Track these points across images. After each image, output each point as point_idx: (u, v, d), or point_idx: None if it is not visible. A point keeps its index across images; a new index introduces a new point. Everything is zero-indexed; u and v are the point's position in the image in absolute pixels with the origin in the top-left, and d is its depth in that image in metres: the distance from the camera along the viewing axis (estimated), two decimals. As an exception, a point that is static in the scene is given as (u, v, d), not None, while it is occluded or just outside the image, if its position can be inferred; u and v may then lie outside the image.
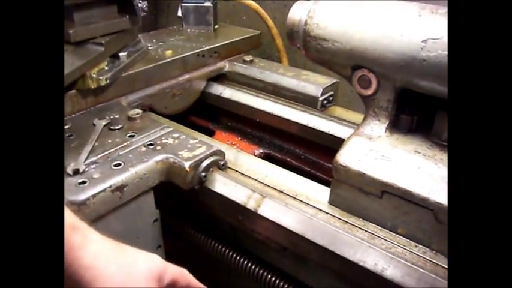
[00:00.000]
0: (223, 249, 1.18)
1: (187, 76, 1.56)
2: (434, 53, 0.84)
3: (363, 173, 0.93)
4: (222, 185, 1.06)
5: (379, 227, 0.95)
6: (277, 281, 1.10)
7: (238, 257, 1.17)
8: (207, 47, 1.63)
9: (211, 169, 1.07)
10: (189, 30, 1.86)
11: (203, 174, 1.05)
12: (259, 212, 0.99)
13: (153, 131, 1.15)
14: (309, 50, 1.03)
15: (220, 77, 1.68)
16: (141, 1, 1.37)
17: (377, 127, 0.99)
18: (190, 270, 1.34)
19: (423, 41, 0.85)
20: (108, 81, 1.27)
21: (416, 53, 0.86)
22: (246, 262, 1.16)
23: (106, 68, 1.31)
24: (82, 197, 0.91)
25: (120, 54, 1.37)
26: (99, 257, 0.71)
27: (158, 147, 1.08)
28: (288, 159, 1.50)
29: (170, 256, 1.19)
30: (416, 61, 0.86)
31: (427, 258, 0.88)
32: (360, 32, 0.93)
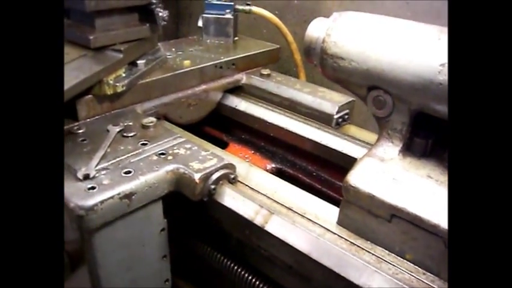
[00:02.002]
0: (229, 263, 1.18)
1: (203, 87, 1.56)
2: (451, 78, 0.83)
3: (373, 195, 0.92)
4: (230, 198, 1.05)
5: (387, 251, 0.94)
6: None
7: (243, 272, 1.16)
8: (225, 59, 1.64)
9: (220, 182, 1.07)
10: (208, 41, 1.87)
11: (212, 186, 1.04)
12: (266, 228, 0.98)
13: (165, 140, 1.15)
14: (325, 67, 1.02)
15: (237, 89, 1.69)
16: (162, 10, 1.38)
17: (390, 149, 0.98)
18: (194, 282, 1.34)
19: (441, 65, 0.84)
20: (124, 88, 1.28)
21: (433, 76, 0.85)
22: (250, 277, 1.15)
23: (123, 74, 1.32)
24: (90, 202, 0.91)
25: (138, 61, 1.38)
26: None
27: (169, 157, 1.08)
28: (300, 176, 1.49)
29: (175, 267, 1.19)
30: (433, 85, 0.85)
31: (435, 286, 0.86)
32: (378, 52, 0.93)
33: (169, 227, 1.12)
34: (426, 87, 0.87)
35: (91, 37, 1.25)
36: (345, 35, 0.98)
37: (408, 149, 0.98)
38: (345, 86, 1.04)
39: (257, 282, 1.13)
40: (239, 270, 1.16)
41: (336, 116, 1.46)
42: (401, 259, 0.92)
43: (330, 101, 1.50)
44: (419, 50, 0.88)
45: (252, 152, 1.60)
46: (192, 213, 1.21)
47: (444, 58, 0.84)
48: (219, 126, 1.70)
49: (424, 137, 0.97)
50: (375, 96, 0.97)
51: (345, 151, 1.35)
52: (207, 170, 1.04)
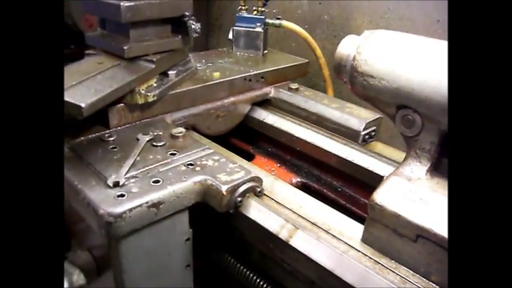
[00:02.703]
0: (251, 275, 1.18)
1: (232, 99, 1.58)
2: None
3: (399, 215, 0.91)
4: (256, 211, 1.06)
5: (412, 272, 0.93)
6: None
7: (264, 285, 1.17)
8: (254, 72, 1.65)
9: (247, 195, 1.08)
10: (238, 53, 1.90)
11: (239, 199, 1.05)
12: (290, 242, 0.99)
13: (194, 151, 1.16)
14: (355, 85, 1.03)
15: (265, 102, 1.70)
16: (194, 22, 1.40)
17: (417, 169, 0.98)
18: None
19: (472, 87, 0.84)
20: (155, 97, 1.31)
21: (463, 98, 0.85)
22: (272, 291, 1.15)
23: (155, 84, 1.35)
24: (119, 210, 0.93)
25: (170, 72, 1.41)
26: None
27: (197, 168, 1.09)
28: (325, 191, 1.49)
29: (198, 276, 1.20)
30: (464, 106, 0.85)
31: (459, 309, 0.85)
32: (408, 71, 0.93)
33: (193, 237, 1.13)
34: (456, 108, 0.87)
35: (125, 47, 1.28)
36: (376, 53, 0.98)
37: (436, 169, 0.98)
38: (373, 104, 1.04)
39: (278, 295, 1.13)
40: (261, 283, 1.17)
41: (362, 133, 1.46)
42: (427, 281, 0.91)
43: (357, 117, 1.50)
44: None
45: (278, 165, 1.61)
46: (217, 224, 1.22)
47: (475, 80, 0.84)
48: (246, 138, 1.72)
49: (452, 158, 0.97)
50: (403, 115, 0.97)
51: (370, 168, 1.35)
52: (235, 183, 1.05)
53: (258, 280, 1.17)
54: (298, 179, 1.54)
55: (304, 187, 1.50)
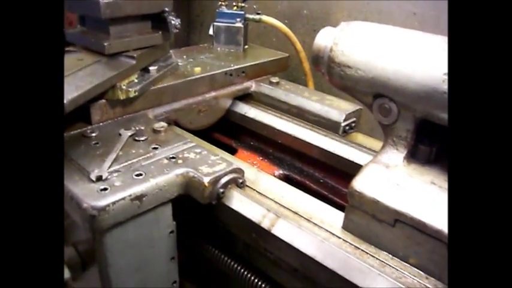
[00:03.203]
0: (235, 266, 1.20)
1: (213, 94, 1.59)
2: (455, 87, 0.85)
3: (377, 201, 0.94)
4: (238, 202, 1.08)
5: (391, 256, 0.95)
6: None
7: (249, 275, 1.18)
8: (235, 67, 1.67)
9: (229, 186, 1.09)
10: (219, 48, 1.91)
11: (221, 190, 1.07)
12: (272, 231, 1.01)
13: (176, 145, 1.18)
14: (332, 76, 1.05)
15: (246, 97, 1.71)
16: (174, 18, 1.41)
17: (395, 156, 1.00)
18: (201, 284, 1.36)
19: (445, 74, 0.86)
20: (137, 93, 1.31)
21: (437, 85, 0.87)
22: (256, 280, 1.17)
23: (136, 80, 1.36)
24: (103, 203, 0.94)
25: (151, 68, 1.42)
26: None
27: (180, 161, 1.10)
28: (307, 182, 1.51)
29: (183, 269, 1.21)
30: (437, 93, 0.87)
31: (438, 291, 0.88)
32: (383, 61, 0.95)
33: (177, 230, 1.14)
34: (430, 96, 0.89)
35: (105, 44, 1.28)
36: (352, 44, 1.00)
37: (413, 156, 1.00)
38: (351, 93, 1.06)
39: (263, 285, 1.15)
40: (245, 273, 1.18)
41: (343, 124, 1.48)
42: (405, 263, 0.93)
43: (337, 109, 1.52)
44: (424, 59, 0.90)
45: (261, 158, 1.62)
46: (200, 216, 1.24)
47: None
48: (228, 132, 1.73)
49: (428, 144, 0.99)
50: (380, 104, 0.99)
51: (351, 158, 1.37)
52: (216, 174, 1.07)
53: (242, 270, 1.18)
54: (281, 172, 1.56)
55: (286, 179, 1.52)
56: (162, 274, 1.16)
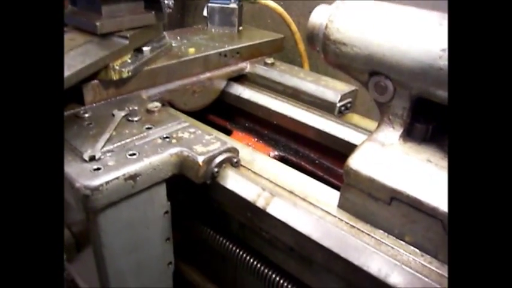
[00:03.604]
0: (231, 246, 1.19)
1: (208, 74, 1.58)
2: (451, 63, 0.84)
3: (373, 179, 0.93)
4: (233, 181, 1.07)
5: (386, 234, 0.95)
6: (282, 282, 1.11)
7: (245, 255, 1.18)
8: (230, 47, 1.65)
9: (224, 165, 1.08)
10: (213, 30, 1.89)
11: (216, 169, 1.06)
12: (267, 210, 1.00)
13: (170, 125, 1.17)
14: (327, 53, 1.03)
15: (241, 78, 1.70)
16: (167, -2, 1.40)
17: (391, 134, 0.99)
18: (197, 265, 1.36)
19: (441, 50, 0.85)
20: (130, 73, 1.30)
21: (433, 61, 0.86)
22: (252, 261, 1.16)
23: (129, 60, 1.34)
24: (96, 182, 0.93)
25: (144, 48, 1.40)
26: None
27: (173, 141, 1.09)
28: (303, 163, 1.51)
29: (178, 249, 1.21)
30: (433, 69, 0.86)
31: (433, 268, 0.87)
32: (379, 38, 0.94)
33: (172, 211, 1.14)
34: (426, 72, 0.88)
35: (97, 23, 1.27)
36: (347, 21, 0.99)
37: (409, 134, 0.99)
38: (346, 72, 1.05)
39: (259, 265, 1.14)
40: (241, 253, 1.18)
41: (338, 105, 1.47)
42: (401, 241, 0.93)
43: (332, 89, 1.51)
44: (420, 36, 0.89)
45: (256, 139, 1.61)
46: (195, 197, 1.23)
47: (445, 43, 0.85)
48: (223, 114, 1.72)
49: (424, 123, 0.98)
50: (376, 81, 0.98)
51: (347, 139, 1.36)
52: (211, 153, 1.06)
53: (238, 251, 1.18)
54: (276, 153, 1.55)
55: (282, 160, 1.51)
56: (157, 255, 1.16)
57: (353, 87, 1.52)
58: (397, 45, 0.91)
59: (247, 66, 1.71)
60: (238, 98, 1.63)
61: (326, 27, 1.02)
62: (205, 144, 1.09)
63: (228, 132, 1.63)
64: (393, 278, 0.85)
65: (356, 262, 0.89)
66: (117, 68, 1.27)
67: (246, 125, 1.68)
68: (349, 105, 1.51)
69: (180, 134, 1.13)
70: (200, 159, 1.04)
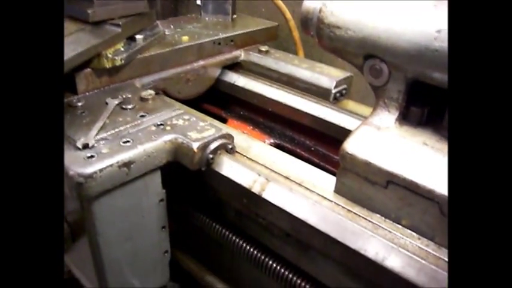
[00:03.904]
0: (227, 234, 1.19)
1: (202, 62, 1.56)
2: (447, 43, 0.83)
3: (370, 162, 0.93)
4: (228, 167, 1.06)
5: (383, 218, 0.94)
6: (279, 268, 1.10)
7: (241, 243, 1.17)
8: (224, 35, 1.64)
9: (219, 152, 1.07)
10: (207, 18, 1.87)
11: (210, 156, 1.05)
12: (263, 195, 1.00)
13: (164, 112, 1.16)
14: (322, 37, 1.02)
15: (235, 66, 1.69)
16: (160, -14, 1.38)
17: (386, 118, 0.98)
18: (193, 254, 1.36)
19: (437, 31, 0.84)
20: (123, 61, 1.29)
21: (429, 42, 0.85)
22: (249, 248, 1.16)
23: (122, 49, 1.33)
24: (89, 170, 0.92)
25: (137, 36, 1.39)
26: None
27: (168, 128, 1.08)
28: (298, 151, 1.50)
29: (174, 239, 1.21)
30: (429, 51, 0.85)
31: (429, 251, 0.87)
32: (373, 20, 0.93)
33: (168, 199, 1.13)
34: (422, 54, 0.87)
35: (89, 11, 1.25)
36: (341, 4, 0.98)
37: (405, 118, 0.98)
38: (341, 56, 1.04)
39: (255, 252, 1.14)
40: (238, 241, 1.18)
41: (333, 91, 1.46)
42: (397, 225, 0.93)
43: (327, 76, 1.50)
44: (415, 17, 0.88)
45: (251, 127, 1.61)
46: (190, 184, 1.22)
47: (440, 24, 0.84)
48: (218, 102, 1.71)
49: (420, 106, 0.98)
50: (371, 65, 0.97)
51: (342, 125, 1.36)
52: (205, 140, 1.05)
53: (234, 238, 1.18)
54: (272, 140, 1.54)
55: (278, 148, 1.50)
56: (153, 243, 1.16)
57: (348, 74, 1.51)
58: (392, 28, 0.90)
59: (241, 54, 1.69)
60: (233, 86, 1.62)
61: (320, 10, 1.00)
62: (199, 130, 1.08)
63: (223, 121, 1.62)
64: (390, 261, 0.85)
65: (353, 246, 0.89)
66: (109, 56, 1.26)
67: (241, 113, 1.67)
68: (344, 91, 1.50)
69: (174, 121, 1.12)
70: (195, 146, 1.03)
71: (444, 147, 0.91)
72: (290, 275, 1.09)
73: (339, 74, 1.52)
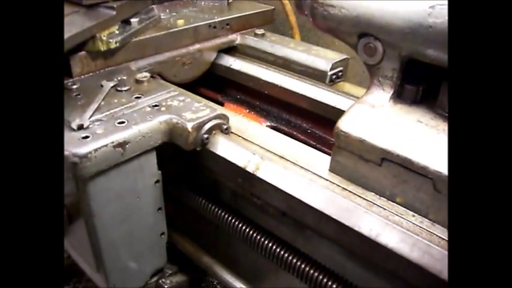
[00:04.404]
0: (224, 215, 1.19)
1: (197, 46, 1.56)
2: (441, 19, 0.83)
3: (364, 140, 0.93)
4: (223, 147, 1.07)
5: (378, 196, 0.95)
6: (275, 248, 1.11)
7: (238, 224, 1.18)
8: (219, 19, 1.63)
9: (213, 132, 1.08)
10: (203, 3, 1.86)
11: (205, 136, 1.05)
12: (258, 174, 1.00)
13: (159, 94, 1.16)
14: (316, 17, 1.02)
15: (231, 50, 1.68)
16: (154, -32, 1.37)
17: (381, 96, 0.98)
18: (190, 235, 1.36)
19: (430, 7, 0.84)
20: (118, 44, 1.28)
21: (422, 19, 0.85)
22: (245, 229, 1.16)
23: (117, 32, 1.33)
24: (84, 150, 0.92)
25: (132, 20, 1.38)
26: None
27: (163, 108, 1.09)
28: (295, 133, 1.50)
29: (171, 221, 1.21)
30: (422, 28, 0.85)
31: (423, 227, 0.87)
32: (367, -2, 0.93)
33: (164, 181, 1.13)
34: (415, 31, 0.87)
35: (83, -6, 1.25)
36: (335, -18, 0.98)
37: (399, 96, 0.98)
38: (335, 35, 1.03)
39: (251, 233, 1.14)
40: (234, 221, 1.18)
41: (329, 73, 1.46)
42: (392, 203, 0.93)
43: (323, 58, 1.50)
44: (409, -6, 0.88)
45: (248, 110, 1.61)
46: (187, 166, 1.23)
47: (433, 1, 0.84)
48: (214, 86, 1.70)
49: (414, 84, 0.97)
50: (365, 43, 0.97)
51: (338, 106, 1.36)
52: (200, 120, 1.05)
53: (230, 219, 1.18)
54: (268, 123, 1.54)
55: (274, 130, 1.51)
56: (149, 225, 1.16)
57: (344, 56, 1.51)
58: (385, 5, 0.90)
59: (237, 38, 1.69)
60: (229, 69, 1.62)
61: (314, -11, 1.00)
62: (194, 111, 1.08)
63: (220, 105, 1.62)
64: (384, 237, 0.86)
65: (347, 223, 0.89)
66: (104, 38, 1.26)
67: (238, 96, 1.67)
68: (340, 73, 1.50)
69: (169, 102, 1.12)
70: (189, 126, 1.03)
71: (438, 124, 0.91)
72: (286, 255, 1.09)
73: (335, 56, 1.51)
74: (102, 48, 1.25)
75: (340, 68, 1.50)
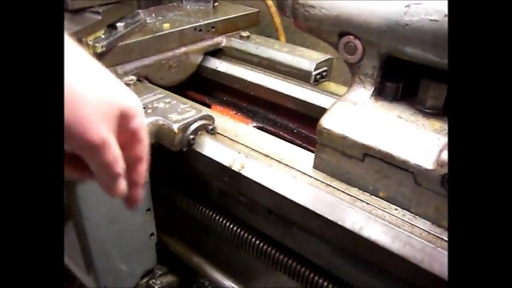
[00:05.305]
0: (212, 214, 1.21)
1: (184, 49, 1.57)
2: (417, 18, 0.85)
3: (346, 136, 0.95)
4: (209, 147, 1.08)
5: (361, 191, 0.97)
6: (263, 246, 1.13)
7: (226, 223, 1.19)
8: (205, 22, 1.64)
9: (199, 133, 1.09)
10: (188, 6, 1.88)
11: (191, 136, 1.07)
12: (243, 172, 1.02)
13: (145, 96, 1.17)
14: (297, 17, 1.04)
15: (217, 52, 1.70)
16: (139, -27, 1.39)
17: (362, 94, 1.00)
18: (179, 236, 1.38)
19: (406, 6, 0.86)
20: (104, 48, 1.29)
21: (399, 17, 0.87)
22: (234, 228, 1.18)
23: (103, 36, 1.34)
24: (71, 152, 0.93)
25: (118, 24, 1.39)
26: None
27: (149, 111, 1.10)
28: (281, 133, 1.52)
29: (160, 221, 1.22)
30: (400, 26, 0.88)
31: (406, 220, 0.90)
32: (346, -2, 0.95)
33: (152, 182, 1.14)
34: (393, 29, 0.89)
35: (68, -1, 1.26)
36: (315, -17, 1.00)
37: (380, 93, 1.01)
38: (317, 35, 1.05)
39: (239, 231, 1.16)
40: (223, 221, 1.20)
41: (314, 73, 1.48)
42: (375, 197, 0.95)
43: (308, 58, 1.52)
44: (385, -7, 0.90)
45: (234, 112, 1.62)
46: (174, 167, 1.24)
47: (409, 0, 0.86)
48: (201, 89, 1.72)
49: (395, 81, 1.00)
50: (345, 42, 0.99)
51: (323, 105, 1.37)
52: (186, 121, 1.07)
53: (218, 218, 1.20)
54: (255, 124, 1.56)
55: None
56: (138, 226, 1.18)
57: (328, 56, 1.53)
58: (364, 4, 0.92)
59: (223, 41, 1.71)
60: (215, 72, 1.63)
61: (294, -10, 1.02)
62: (180, 112, 1.10)
63: (207, 107, 1.63)
64: (367, 231, 0.88)
65: (331, 217, 0.91)
66: (90, 43, 1.27)
67: (224, 98, 1.68)
68: (324, 73, 1.52)
69: (155, 105, 1.13)
70: (175, 127, 1.05)
71: (418, 119, 0.93)
72: (274, 252, 1.11)
73: (319, 56, 1.53)
74: (89, 52, 1.27)
75: (325, 68, 1.52)
